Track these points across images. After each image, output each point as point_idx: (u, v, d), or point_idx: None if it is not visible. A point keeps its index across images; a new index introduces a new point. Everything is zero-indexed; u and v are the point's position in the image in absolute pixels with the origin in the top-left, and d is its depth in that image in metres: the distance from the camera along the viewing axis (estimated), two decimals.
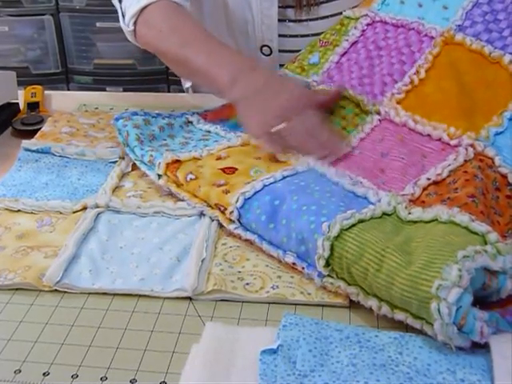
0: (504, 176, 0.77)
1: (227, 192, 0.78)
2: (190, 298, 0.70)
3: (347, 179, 0.78)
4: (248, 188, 0.77)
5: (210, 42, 0.97)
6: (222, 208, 0.78)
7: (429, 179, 0.76)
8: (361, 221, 0.68)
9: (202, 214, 0.82)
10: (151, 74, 2.28)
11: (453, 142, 0.81)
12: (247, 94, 0.89)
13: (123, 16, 1.06)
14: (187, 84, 1.25)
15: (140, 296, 0.71)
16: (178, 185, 0.84)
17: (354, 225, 0.68)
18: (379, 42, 0.97)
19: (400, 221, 0.70)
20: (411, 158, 0.81)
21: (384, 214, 0.71)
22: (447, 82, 0.88)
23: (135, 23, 1.03)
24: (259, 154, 0.86)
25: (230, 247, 0.77)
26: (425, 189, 0.75)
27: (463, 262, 0.59)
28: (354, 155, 0.85)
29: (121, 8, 1.06)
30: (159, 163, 0.85)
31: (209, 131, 0.96)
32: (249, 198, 0.76)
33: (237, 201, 0.76)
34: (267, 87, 0.89)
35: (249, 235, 0.76)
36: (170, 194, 0.86)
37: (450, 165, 0.77)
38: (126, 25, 1.05)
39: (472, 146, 0.79)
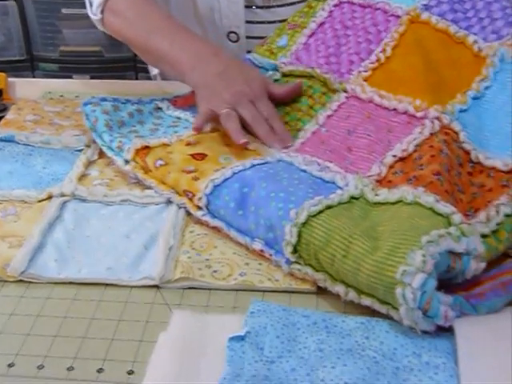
0: (467, 152, 0.77)
1: (197, 179, 0.78)
2: (157, 287, 0.70)
3: (315, 166, 0.78)
4: (218, 175, 0.77)
5: (175, 28, 0.97)
6: (191, 195, 0.78)
7: (395, 156, 0.76)
8: (328, 207, 0.69)
9: (169, 202, 0.81)
10: (119, 62, 2.25)
11: (419, 115, 0.81)
12: (206, 79, 0.90)
13: (90, 4, 1.06)
14: (154, 71, 1.25)
15: (107, 285, 0.70)
16: (146, 171, 0.84)
17: (321, 211, 0.68)
18: (346, 21, 0.98)
19: (367, 203, 0.71)
20: (377, 135, 0.81)
21: (352, 197, 0.71)
22: (413, 58, 0.89)
23: (102, 11, 1.04)
24: (229, 140, 0.86)
25: (198, 235, 0.77)
26: (391, 167, 0.75)
27: (427, 247, 0.59)
28: (321, 134, 0.86)
29: None
30: (128, 148, 0.85)
31: (179, 117, 0.95)
32: (218, 185, 0.76)
33: (206, 187, 0.76)
34: (226, 73, 0.89)
35: (216, 222, 0.76)
36: (137, 183, 0.85)
37: (415, 139, 0.77)
38: (93, 13, 1.05)
39: (438, 118, 0.79)
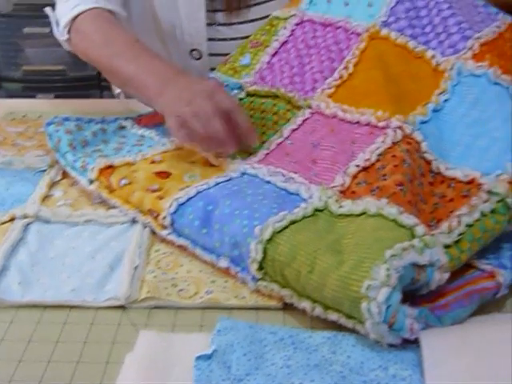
0: (428, 162, 0.78)
1: (161, 198, 0.78)
2: (123, 307, 0.69)
3: (279, 177, 0.79)
4: (182, 194, 0.77)
5: (140, 51, 0.97)
6: (155, 214, 0.78)
7: (358, 166, 0.77)
8: (293, 222, 0.69)
9: (134, 221, 0.81)
10: (82, 80, 2.24)
11: (381, 124, 0.82)
12: (173, 102, 0.88)
13: (57, 24, 1.06)
14: (117, 89, 1.25)
15: (72, 307, 0.69)
16: (110, 191, 0.84)
17: (286, 227, 0.68)
18: (309, 41, 0.99)
19: (332, 215, 0.71)
20: (341, 146, 0.82)
21: (316, 210, 0.71)
22: (374, 72, 0.90)
23: (69, 31, 1.04)
24: (193, 158, 0.86)
25: (164, 253, 0.77)
26: (354, 177, 0.76)
27: (391, 261, 0.60)
28: (286, 146, 0.86)
29: (54, 16, 1.06)
30: (92, 168, 0.85)
31: (143, 136, 0.96)
32: (182, 204, 0.76)
33: (170, 206, 0.76)
34: (187, 88, 0.88)
35: (182, 241, 0.76)
36: (102, 202, 0.85)
37: (378, 148, 0.78)
38: (60, 34, 1.05)
39: (400, 128, 0.80)
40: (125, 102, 1.19)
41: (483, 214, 0.70)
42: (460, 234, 0.68)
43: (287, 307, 0.68)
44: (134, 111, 1.05)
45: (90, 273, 0.73)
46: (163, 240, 0.78)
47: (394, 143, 0.78)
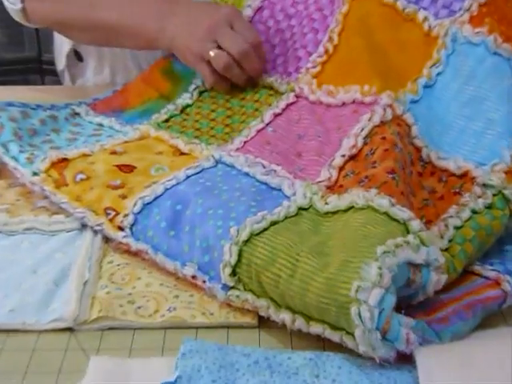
0: (418, 149, 0.78)
1: (124, 197, 0.78)
2: (71, 329, 0.69)
3: (259, 168, 0.79)
4: (148, 192, 0.78)
5: None
6: (113, 213, 0.77)
7: (343, 156, 0.77)
8: (274, 223, 0.69)
9: (83, 228, 0.81)
10: (20, 63, 2.20)
11: (367, 100, 0.82)
12: (178, 32, 0.95)
13: None
14: (61, 65, 1.26)
15: (10, 331, 0.69)
16: (58, 185, 0.83)
17: (266, 228, 0.69)
18: (288, 9, 1.00)
19: (317, 214, 0.71)
20: (327, 136, 0.82)
21: (300, 209, 0.72)
22: (357, 40, 0.90)
23: (23, 0, 1.04)
24: (160, 148, 0.87)
25: (118, 265, 0.76)
26: (341, 168, 0.76)
27: (383, 258, 0.60)
28: (267, 133, 0.87)
29: None
30: (43, 159, 0.85)
31: (101, 124, 0.96)
32: (149, 203, 0.77)
33: (134, 205, 0.76)
34: (193, 15, 0.95)
35: (140, 245, 0.75)
36: (44, 207, 0.84)
37: (363, 128, 0.78)
38: (12, 3, 1.05)
39: (391, 107, 0.80)
40: (74, 88, 1.22)
41: (474, 211, 0.71)
42: (450, 241, 0.69)
43: (263, 324, 0.68)
44: (84, 97, 1.06)
45: (30, 290, 0.72)
46: (118, 249, 0.78)
47: (383, 123, 0.78)
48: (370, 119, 0.79)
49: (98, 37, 1.06)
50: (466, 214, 0.70)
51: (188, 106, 0.98)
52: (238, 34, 0.92)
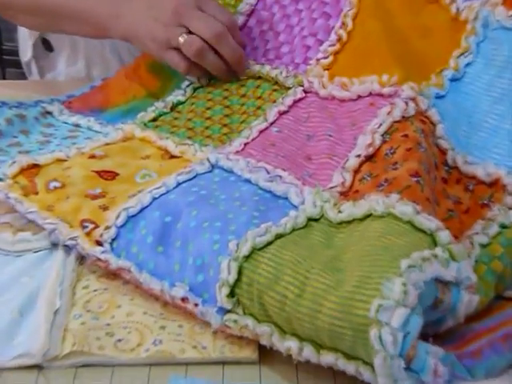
0: (443, 152, 0.76)
1: (105, 208, 0.76)
2: (39, 367, 0.65)
3: (263, 174, 0.76)
4: (133, 202, 0.75)
5: None
6: (92, 226, 0.75)
7: (359, 156, 0.74)
8: (279, 236, 0.66)
9: (53, 247, 0.77)
10: None
11: (386, 91, 0.80)
12: (137, 18, 0.92)
13: None
14: (27, 56, 1.24)
15: None
16: (27, 193, 0.81)
17: (270, 242, 0.66)
18: None
19: (330, 225, 0.69)
20: (340, 134, 0.80)
21: (310, 219, 0.69)
22: (374, 24, 0.88)
23: None
24: (147, 151, 0.85)
25: (95, 291, 0.73)
26: (357, 171, 0.73)
27: (408, 273, 0.56)
28: (271, 133, 0.84)
29: None
30: (12, 163, 0.83)
31: (78, 125, 0.94)
32: (133, 216, 0.74)
33: (117, 217, 0.74)
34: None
35: (122, 262, 0.72)
36: (7, 223, 0.81)
37: (381, 123, 0.75)
38: None
39: (414, 100, 0.77)
40: (43, 83, 1.19)
41: (504, 226, 0.69)
42: (476, 261, 0.66)
43: (264, 359, 0.65)
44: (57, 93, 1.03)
45: None
46: (94, 271, 0.74)
47: (405, 118, 0.75)
48: (389, 113, 0.76)
49: (43, 21, 1.04)
50: (494, 229, 0.68)
51: (180, 103, 0.95)
52: (210, 15, 0.90)
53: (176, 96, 0.95)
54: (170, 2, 0.90)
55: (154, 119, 0.92)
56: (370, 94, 0.81)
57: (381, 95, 0.80)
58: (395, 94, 0.79)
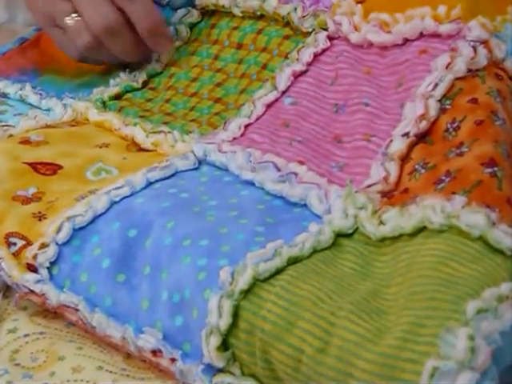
0: None
1: (42, 217, 0.68)
2: None
3: (270, 172, 0.68)
4: (82, 209, 0.67)
5: None
6: (23, 243, 0.66)
7: (407, 135, 0.65)
8: (294, 260, 0.58)
9: None
10: None
11: (444, 29, 0.71)
12: None
13: None
14: None
15: None
16: None
17: (281, 269, 0.57)
18: None
19: (368, 243, 0.61)
20: (382, 100, 0.72)
21: (339, 235, 0.61)
22: None
23: None
24: (105, 138, 0.78)
25: (26, 336, 0.64)
26: (404, 159, 0.65)
27: (477, 321, 0.49)
28: (283, 107, 0.76)
29: None
30: None
31: (4, 95, 0.89)
32: (82, 228, 0.66)
33: (58, 230, 0.65)
34: None
35: (66, 297, 0.64)
36: None
37: (438, 83, 0.66)
38: None
39: (486, 44, 0.69)
40: None
41: None
42: None
43: None
44: None
45: None
46: (25, 307, 0.66)
47: (473, 72, 0.67)
48: (448, 65, 0.67)
49: None
50: None
51: (155, 73, 0.86)
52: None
53: (149, 64, 0.89)
54: None
55: (118, 96, 0.85)
56: (422, 36, 0.73)
57: (437, 36, 0.72)
58: (458, 33, 0.71)
